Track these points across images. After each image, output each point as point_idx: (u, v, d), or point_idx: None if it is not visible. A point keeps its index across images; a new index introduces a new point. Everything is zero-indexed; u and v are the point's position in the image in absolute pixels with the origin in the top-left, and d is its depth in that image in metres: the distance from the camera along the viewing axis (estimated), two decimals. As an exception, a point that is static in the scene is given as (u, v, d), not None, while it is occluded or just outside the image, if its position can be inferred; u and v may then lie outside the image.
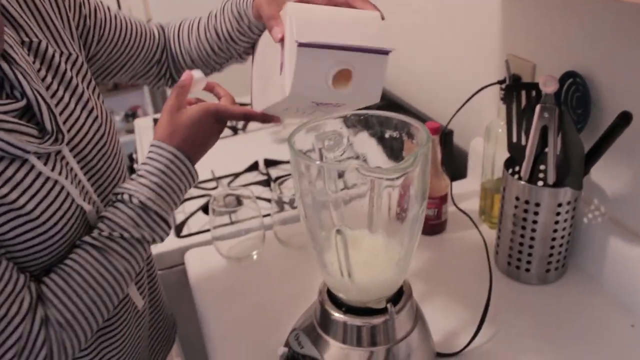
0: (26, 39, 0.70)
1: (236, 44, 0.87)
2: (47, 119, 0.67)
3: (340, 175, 0.67)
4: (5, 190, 0.61)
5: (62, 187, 0.67)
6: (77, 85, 0.74)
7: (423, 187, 0.65)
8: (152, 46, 0.92)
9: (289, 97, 0.66)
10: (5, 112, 0.63)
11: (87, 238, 0.68)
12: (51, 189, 0.66)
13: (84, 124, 0.74)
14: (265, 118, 0.81)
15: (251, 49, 0.89)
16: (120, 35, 0.87)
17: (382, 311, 0.68)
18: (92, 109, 0.75)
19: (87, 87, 0.77)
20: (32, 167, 0.64)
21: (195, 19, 0.93)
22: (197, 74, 0.81)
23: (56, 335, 0.65)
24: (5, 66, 0.64)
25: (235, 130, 1.70)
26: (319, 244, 0.70)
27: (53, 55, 0.72)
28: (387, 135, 0.71)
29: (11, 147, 0.61)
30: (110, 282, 0.69)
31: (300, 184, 0.66)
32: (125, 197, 0.71)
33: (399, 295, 0.72)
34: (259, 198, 1.24)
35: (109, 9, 0.86)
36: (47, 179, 0.65)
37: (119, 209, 0.71)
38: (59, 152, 0.68)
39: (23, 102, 0.65)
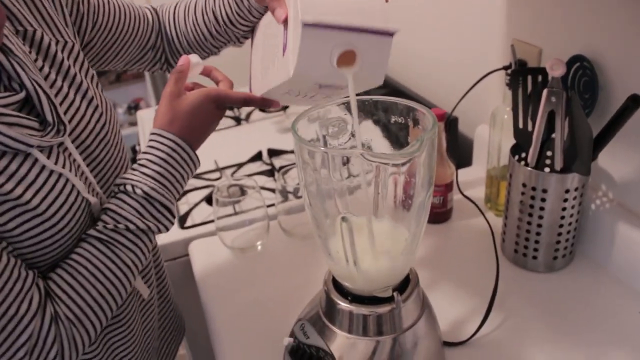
0: (20, 28, 0.69)
1: (235, 28, 0.86)
2: (47, 110, 0.65)
3: (345, 162, 0.66)
4: (10, 185, 0.60)
5: (67, 180, 0.66)
6: (75, 75, 0.73)
7: (429, 174, 0.64)
8: (146, 30, 0.91)
9: (293, 77, 0.65)
10: (5, 105, 0.62)
11: (92, 231, 0.67)
12: (56, 182, 0.64)
13: (84, 113, 0.72)
14: (265, 102, 0.80)
15: (250, 32, 0.88)
16: (115, 20, 0.85)
17: (389, 300, 0.67)
18: (92, 98, 0.74)
19: (85, 76, 0.75)
20: (36, 160, 0.63)
21: (191, 1, 0.91)
22: (194, 58, 0.79)
23: (66, 331, 0.64)
24: (1, 57, 0.63)
25: (238, 121, 1.68)
26: (324, 232, 0.69)
27: (49, 44, 0.71)
28: (392, 121, 0.70)
29: (14, 142, 0.60)
30: (117, 275, 0.68)
31: (304, 171, 0.65)
32: (128, 187, 0.70)
33: (406, 284, 0.71)
34: (262, 188, 1.23)
35: None
36: (51, 172, 0.64)
37: (123, 200, 0.70)
38: (61, 144, 0.67)
39: (22, 94, 0.64)
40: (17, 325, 0.60)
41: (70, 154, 0.68)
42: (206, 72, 0.85)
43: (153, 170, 0.71)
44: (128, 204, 0.70)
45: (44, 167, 0.63)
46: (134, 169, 0.72)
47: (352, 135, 0.70)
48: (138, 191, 0.70)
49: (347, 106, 0.70)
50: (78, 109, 0.72)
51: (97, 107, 0.74)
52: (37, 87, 0.65)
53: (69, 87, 0.72)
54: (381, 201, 0.66)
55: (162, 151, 0.72)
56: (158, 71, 0.98)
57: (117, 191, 0.71)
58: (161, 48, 0.94)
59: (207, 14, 0.87)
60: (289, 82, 0.67)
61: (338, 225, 0.62)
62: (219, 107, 0.78)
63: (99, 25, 0.82)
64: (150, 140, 0.74)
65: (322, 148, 0.68)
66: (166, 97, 0.75)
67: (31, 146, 0.61)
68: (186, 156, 0.74)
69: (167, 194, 0.72)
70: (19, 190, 0.60)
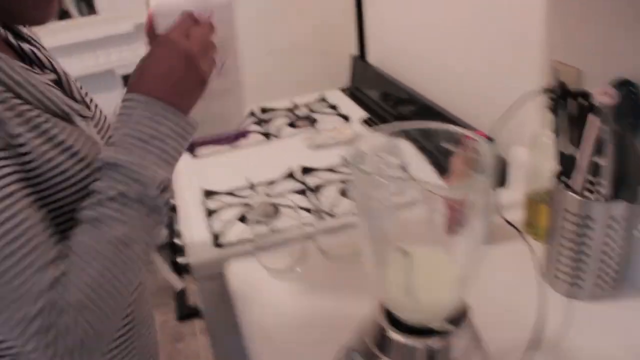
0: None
1: None
2: (75, 91, 0.75)
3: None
4: (62, 136, 0.65)
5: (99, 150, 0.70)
6: (87, 92, 0.81)
7: (486, 203, 0.63)
8: None
9: None
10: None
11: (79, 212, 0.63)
12: (90, 147, 0.69)
13: (100, 115, 0.81)
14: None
15: None
16: None
17: (442, 332, 0.66)
18: (102, 113, 0.83)
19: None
20: (76, 126, 0.70)
21: None
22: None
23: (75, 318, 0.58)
24: (36, 50, 0.74)
25: (267, 136, 1.69)
26: (377, 260, 0.68)
27: (63, 71, 0.79)
28: (438, 146, 0.70)
29: (68, 108, 0.68)
30: (110, 252, 0.61)
31: (360, 198, 0.65)
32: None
33: (458, 315, 0.70)
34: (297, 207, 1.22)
35: None
36: (88, 137, 0.70)
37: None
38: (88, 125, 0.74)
39: (54, 75, 0.74)
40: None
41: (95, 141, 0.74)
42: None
43: (120, 133, 0.64)
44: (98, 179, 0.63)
45: (82, 132, 0.69)
46: None
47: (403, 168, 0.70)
48: (98, 163, 0.63)
49: (396, 132, 0.69)
50: (96, 106, 0.81)
51: (106, 117, 0.82)
52: (64, 73, 0.76)
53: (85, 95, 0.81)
54: (436, 231, 0.66)
55: (122, 113, 0.65)
56: None
57: None
58: None
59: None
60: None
61: (394, 256, 0.62)
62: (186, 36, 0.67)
63: None
64: None
65: (382, 179, 0.67)
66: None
67: (77, 113, 0.70)
68: (148, 109, 0.63)
69: (125, 151, 0.62)
70: (69, 141, 0.65)
